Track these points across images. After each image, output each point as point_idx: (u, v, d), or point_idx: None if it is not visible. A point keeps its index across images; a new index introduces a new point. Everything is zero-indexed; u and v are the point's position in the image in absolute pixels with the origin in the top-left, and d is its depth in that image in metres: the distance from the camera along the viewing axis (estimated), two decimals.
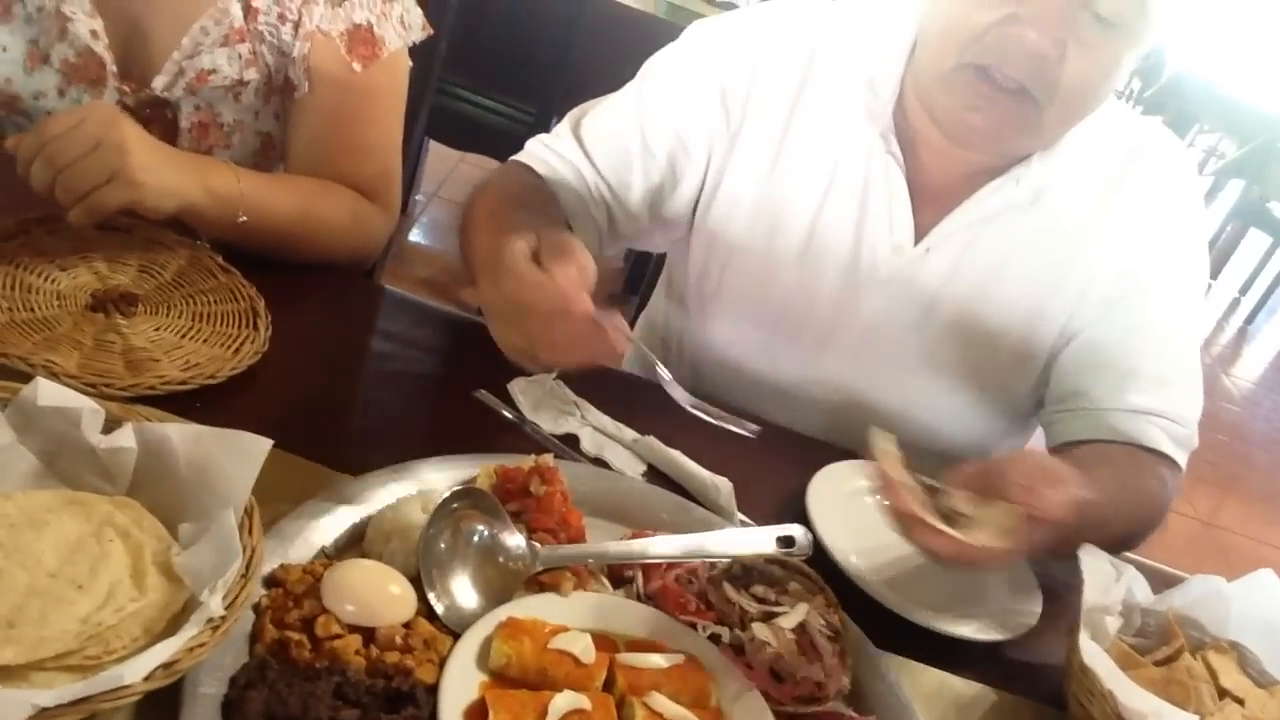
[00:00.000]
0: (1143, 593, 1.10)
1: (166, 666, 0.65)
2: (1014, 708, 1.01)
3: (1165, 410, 1.22)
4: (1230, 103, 7.01)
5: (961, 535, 0.91)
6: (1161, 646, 1.07)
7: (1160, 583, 1.14)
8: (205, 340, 1.03)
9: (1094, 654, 0.96)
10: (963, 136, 1.18)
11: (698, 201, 1.32)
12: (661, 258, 1.56)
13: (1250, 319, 6.41)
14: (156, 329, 1.02)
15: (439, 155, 3.76)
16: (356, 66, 1.27)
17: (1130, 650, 1.05)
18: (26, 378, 0.80)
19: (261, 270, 1.14)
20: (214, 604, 0.69)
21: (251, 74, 1.28)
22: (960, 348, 1.31)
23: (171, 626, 0.71)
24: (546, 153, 1.28)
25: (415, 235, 3.87)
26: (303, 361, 1.09)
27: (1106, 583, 1.06)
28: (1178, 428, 1.22)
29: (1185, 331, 1.28)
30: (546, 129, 1.36)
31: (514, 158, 1.30)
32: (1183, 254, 1.28)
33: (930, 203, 1.25)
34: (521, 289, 0.87)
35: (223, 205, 1.12)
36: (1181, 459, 1.23)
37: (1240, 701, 1.02)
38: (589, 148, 1.27)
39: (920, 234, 1.26)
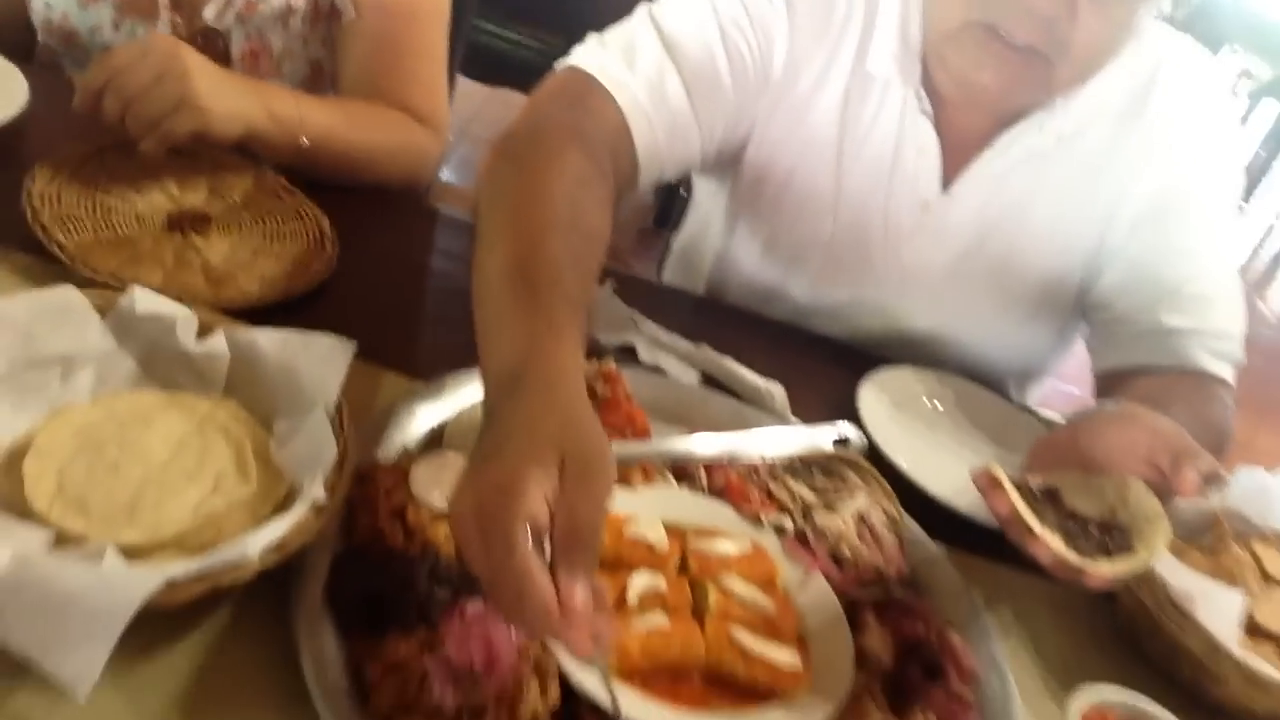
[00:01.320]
0: None
1: (279, 547, 0.69)
2: (1064, 596, 1.05)
3: (1208, 328, 1.22)
4: (1262, 22, 6.84)
5: (1127, 563, 0.86)
6: (1207, 536, 1.10)
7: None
8: (277, 258, 1.07)
9: None
10: (975, 95, 1.17)
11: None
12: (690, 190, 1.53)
13: None
14: (231, 246, 1.06)
15: (465, 91, 3.76)
16: None
17: (1176, 541, 1.08)
18: (118, 293, 0.85)
19: (321, 193, 1.17)
20: (316, 490, 0.74)
21: (299, 0, 1.30)
22: (994, 286, 1.32)
23: (275, 514, 0.76)
24: (628, 75, 1.09)
25: (445, 174, 3.89)
26: (369, 279, 1.13)
27: None
28: (1221, 344, 1.23)
29: (1222, 247, 1.28)
30: None
31: (582, 69, 1.09)
32: (1213, 169, 1.27)
33: (957, 151, 1.25)
34: (522, 598, 0.60)
35: (284, 129, 1.15)
36: (1230, 375, 1.24)
37: None
38: (679, 60, 1.12)
39: (947, 183, 1.26)
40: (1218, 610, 0.94)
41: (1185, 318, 1.22)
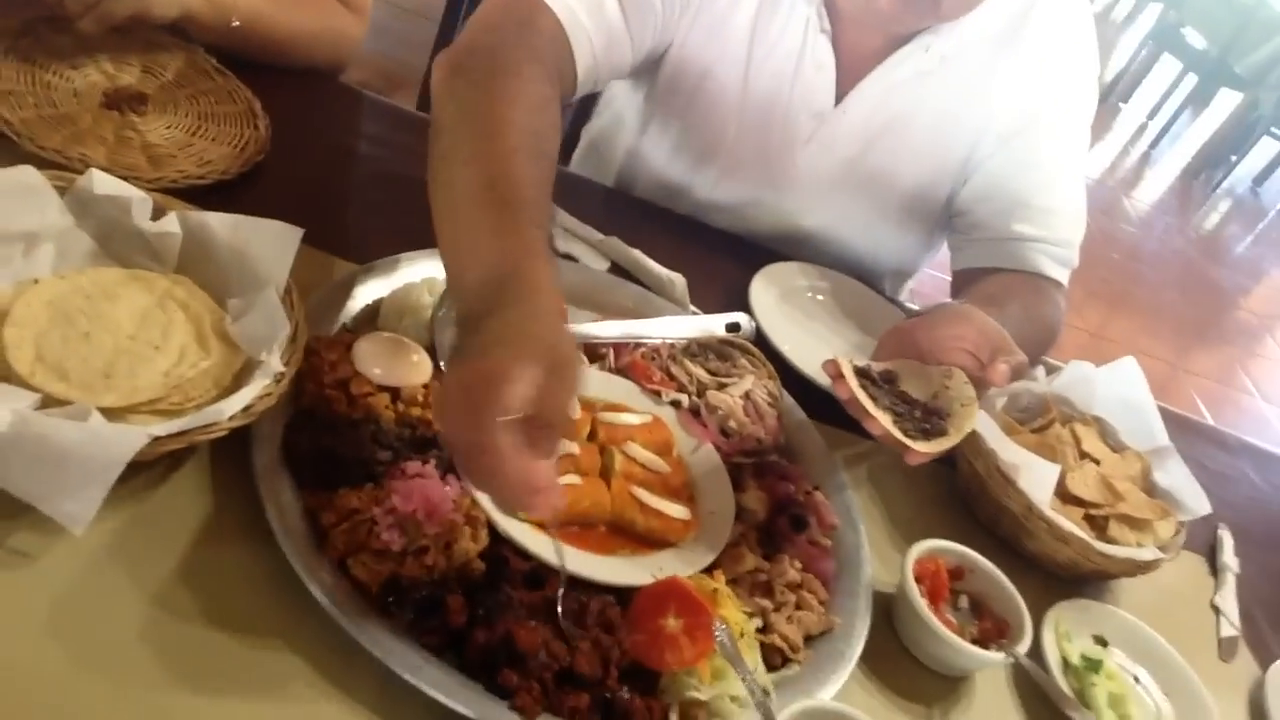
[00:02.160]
0: (1037, 383, 1.31)
1: (246, 410, 0.79)
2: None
3: (1051, 237, 1.37)
4: None
5: (941, 442, 0.97)
6: (1038, 419, 1.29)
7: (1044, 370, 1.36)
8: (213, 139, 1.12)
9: (982, 421, 1.16)
10: (871, 15, 1.27)
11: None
12: None
13: (1155, 143, 6.67)
14: (168, 127, 1.11)
15: None
16: None
17: (1011, 421, 1.26)
18: (64, 169, 0.90)
19: (248, 74, 1.22)
20: (274, 362, 0.83)
21: None
22: (875, 193, 1.45)
23: (235, 384, 0.85)
24: None
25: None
26: (299, 161, 1.19)
27: None
28: (1061, 250, 1.38)
29: (1071, 164, 1.43)
30: None
31: None
32: (1070, 96, 1.40)
33: (851, 68, 1.36)
34: (495, 474, 0.71)
35: (217, 10, 1.18)
36: (1065, 278, 1.39)
37: (1097, 462, 1.25)
38: None
39: (840, 97, 1.37)
40: (1037, 479, 1.13)
41: (1032, 227, 1.37)
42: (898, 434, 0.96)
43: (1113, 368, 1.34)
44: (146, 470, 0.80)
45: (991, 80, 1.37)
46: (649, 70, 1.40)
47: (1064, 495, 1.18)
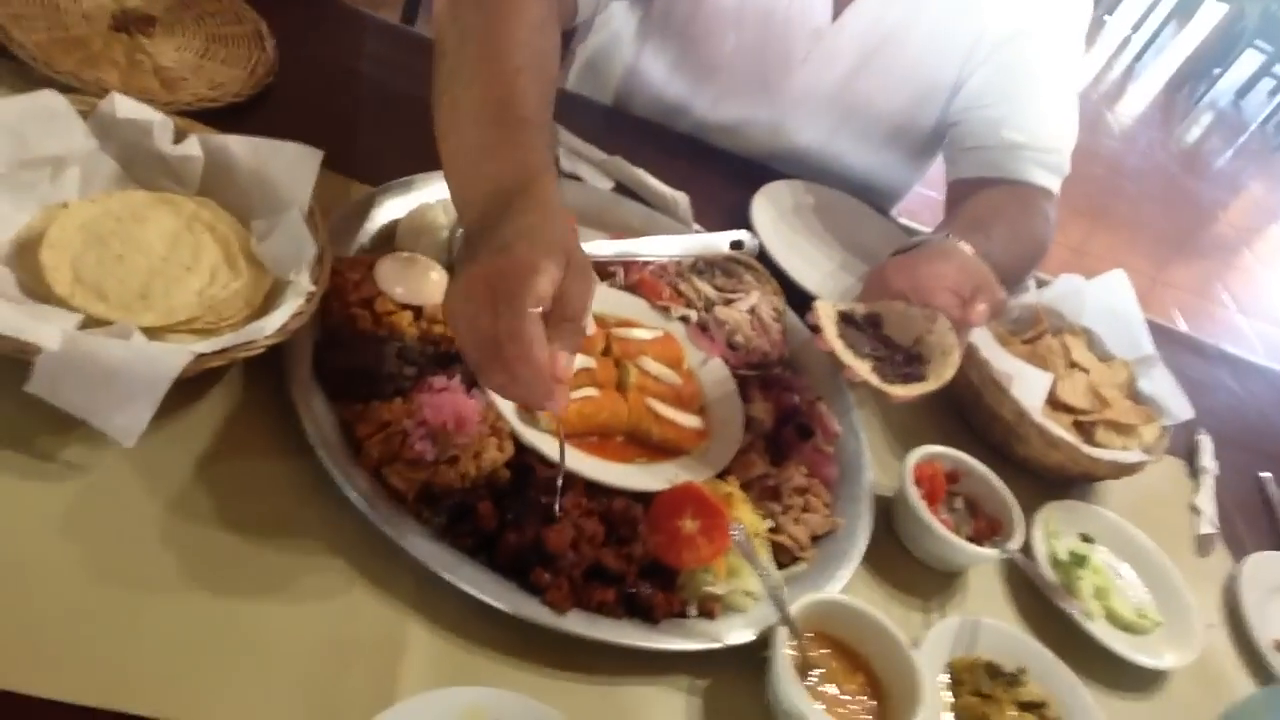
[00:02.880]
0: (1028, 295, 1.35)
1: (282, 328, 0.82)
2: None
3: (1040, 144, 1.37)
4: None
5: (920, 387, 1.00)
6: (1030, 330, 1.33)
7: (1035, 284, 1.40)
8: (223, 61, 1.13)
9: (977, 333, 1.21)
10: None
11: None
12: None
13: (1139, 57, 6.64)
14: (177, 49, 1.12)
15: None
16: None
17: (1004, 333, 1.31)
18: (79, 93, 0.92)
19: None
20: (304, 281, 0.86)
21: None
22: (871, 110, 1.47)
23: (265, 304, 0.88)
24: None
25: None
26: (307, 83, 1.20)
27: None
28: (1050, 158, 1.37)
29: (1062, 73, 1.43)
30: None
31: None
32: (1062, 5, 1.41)
33: None
34: (517, 362, 0.72)
35: None
36: (1055, 185, 1.39)
37: (1085, 371, 1.30)
38: None
39: (836, 13, 1.38)
40: (1028, 386, 1.18)
41: (1022, 134, 1.37)
42: (876, 381, 0.98)
43: (1102, 280, 1.39)
44: (183, 387, 0.83)
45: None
46: None
47: (1054, 403, 1.24)
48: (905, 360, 1.03)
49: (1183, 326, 4.23)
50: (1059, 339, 1.32)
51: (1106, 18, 6.81)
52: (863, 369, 0.99)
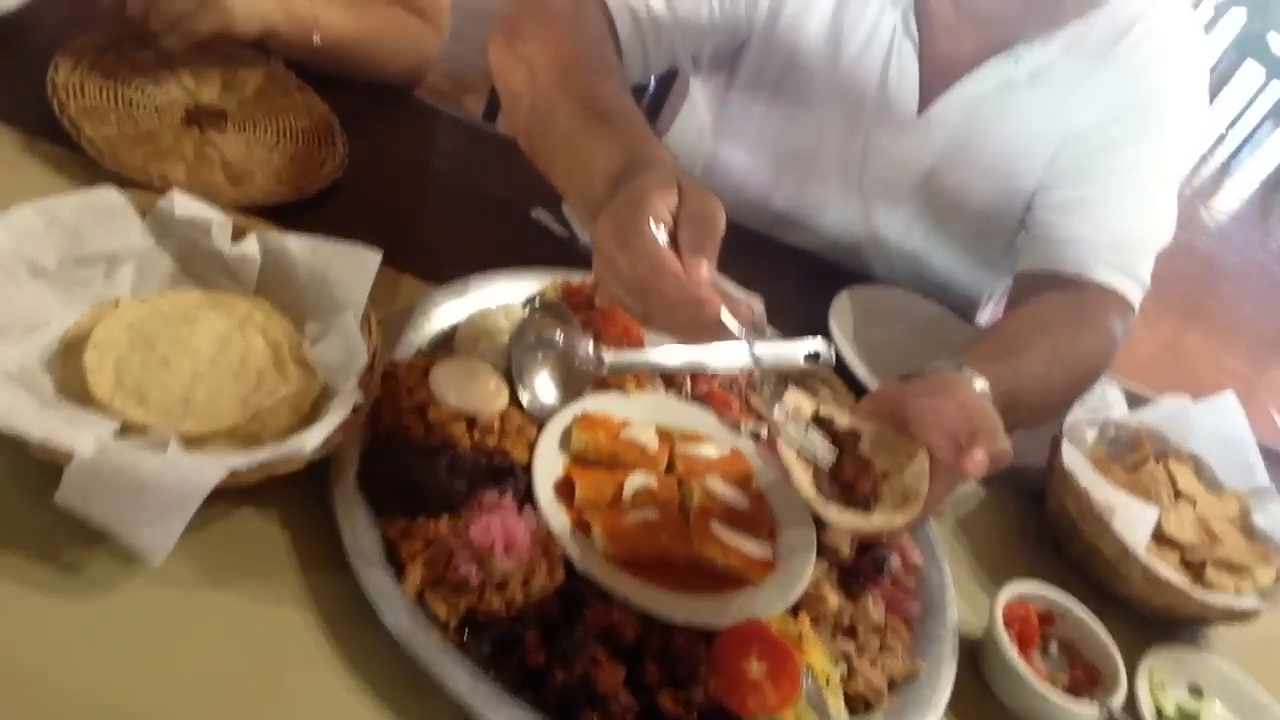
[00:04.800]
0: (1119, 408, 1.26)
1: (326, 442, 0.78)
2: (1001, 499, 1.18)
3: (1111, 238, 1.25)
4: None
5: (856, 518, 0.87)
6: (1131, 454, 1.23)
7: (1134, 400, 1.30)
8: (292, 156, 1.12)
9: (1073, 458, 1.12)
10: (975, 15, 1.23)
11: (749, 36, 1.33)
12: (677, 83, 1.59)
13: (1235, 153, 6.47)
14: (247, 144, 1.11)
15: None
16: None
17: (1103, 457, 1.21)
18: (145, 188, 0.90)
19: (325, 89, 1.21)
20: (354, 391, 0.82)
21: None
22: (959, 201, 1.39)
23: (313, 410, 0.84)
24: None
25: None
26: (377, 179, 1.18)
27: (1088, 398, 1.22)
28: (1124, 257, 1.24)
29: (1155, 172, 1.30)
30: None
31: None
32: (1166, 106, 1.30)
33: (939, 75, 1.31)
34: (656, 279, 0.77)
35: (300, 27, 1.18)
36: (1130, 291, 1.24)
37: (1193, 502, 1.20)
38: None
39: (923, 106, 1.32)
40: (1132, 521, 1.08)
41: (1092, 225, 1.26)
42: (811, 495, 0.86)
43: (1211, 402, 1.29)
44: (222, 495, 0.79)
45: (1079, 94, 1.30)
46: (725, 69, 1.38)
47: (1159, 537, 1.13)
48: (855, 484, 0.90)
49: None
50: (1163, 465, 1.22)
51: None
52: (802, 479, 0.87)
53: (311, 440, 0.76)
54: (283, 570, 0.79)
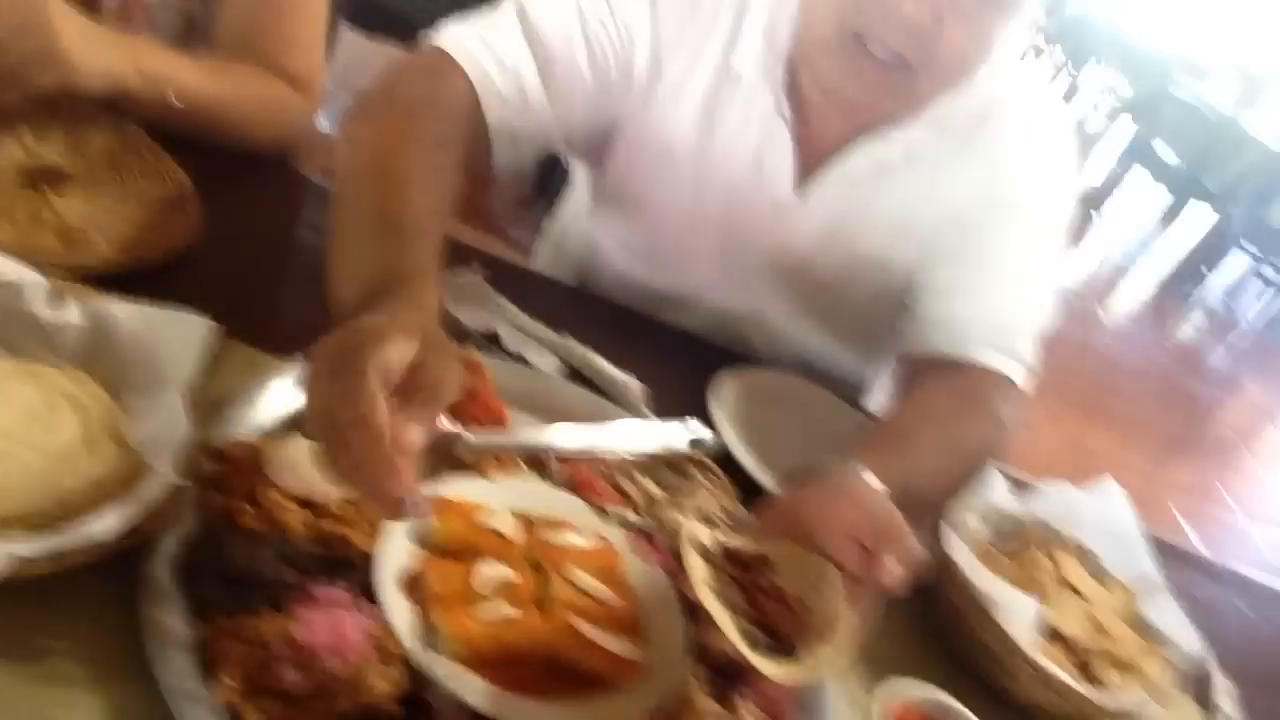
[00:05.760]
0: (1001, 496, 1.23)
1: (132, 530, 0.70)
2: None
3: (991, 319, 1.24)
4: (1128, 42, 7.27)
5: (799, 670, 0.81)
6: (1015, 543, 1.20)
7: (1019, 487, 1.28)
8: (136, 222, 1.05)
9: (955, 545, 1.08)
10: (840, 103, 1.23)
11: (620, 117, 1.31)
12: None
13: (1128, 255, 6.75)
14: (88, 207, 1.04)
15: (348, 39, 3.67)
16: None
17: (988, 546, 1.18)
18: None
19: (185, 152, 1.15)
20: (167, 472, 0.74)
21: None
22: (837, 288, 1.38)
23: (125, 492, 0.76)
24: (485, 56, 1.12)
25: (324, 123, 3.79)
26: (232, 248, 1.11)
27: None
28: (1005, 338, 1.23)
29: (1032, 255, 1.30)
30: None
31: (440, 47, 1.12)
32: (1040, 189, 1.31)
33: (814, 154, 1.30)
34: (354, 430, 0.67)
35: (153, 85, 1.12)
36: (1014, 372, 1.23)
37: (1079, 593, 1.17)
38: (535, 48, 1.15)
39: (799, 185, 1.31)
40: (1015, 613, 1.04)
41: (971, 307, 1.25)
42: (744, 649, 0.81)
43: (1095, 491, 1.27)
44: (12, 589, 0.70)
45: (950, 174, 1.30)
46: (597, 153, 1.36)
47: (1051, 633, 1.09)
48: (777, 622, 0.85)
49: (1186, 529, 4.08)
50: (1048, 555, 1.19)
51: (1094, 213, 6.95)
52: (730, 630, 0.81)
53: (108, 526, 0.68)
54: (78, 678, 0.70)
